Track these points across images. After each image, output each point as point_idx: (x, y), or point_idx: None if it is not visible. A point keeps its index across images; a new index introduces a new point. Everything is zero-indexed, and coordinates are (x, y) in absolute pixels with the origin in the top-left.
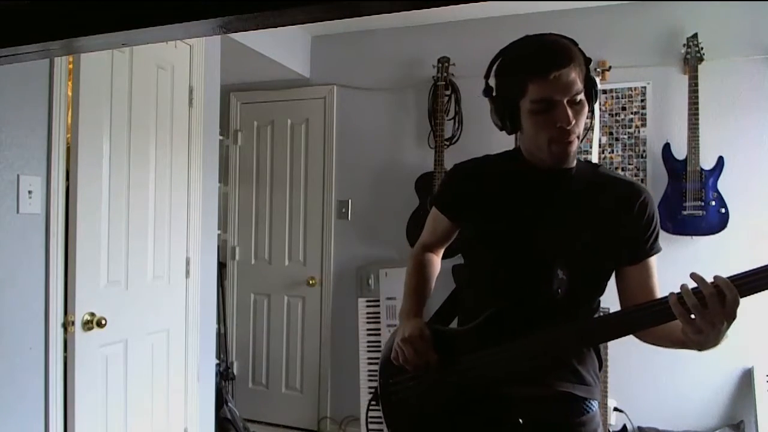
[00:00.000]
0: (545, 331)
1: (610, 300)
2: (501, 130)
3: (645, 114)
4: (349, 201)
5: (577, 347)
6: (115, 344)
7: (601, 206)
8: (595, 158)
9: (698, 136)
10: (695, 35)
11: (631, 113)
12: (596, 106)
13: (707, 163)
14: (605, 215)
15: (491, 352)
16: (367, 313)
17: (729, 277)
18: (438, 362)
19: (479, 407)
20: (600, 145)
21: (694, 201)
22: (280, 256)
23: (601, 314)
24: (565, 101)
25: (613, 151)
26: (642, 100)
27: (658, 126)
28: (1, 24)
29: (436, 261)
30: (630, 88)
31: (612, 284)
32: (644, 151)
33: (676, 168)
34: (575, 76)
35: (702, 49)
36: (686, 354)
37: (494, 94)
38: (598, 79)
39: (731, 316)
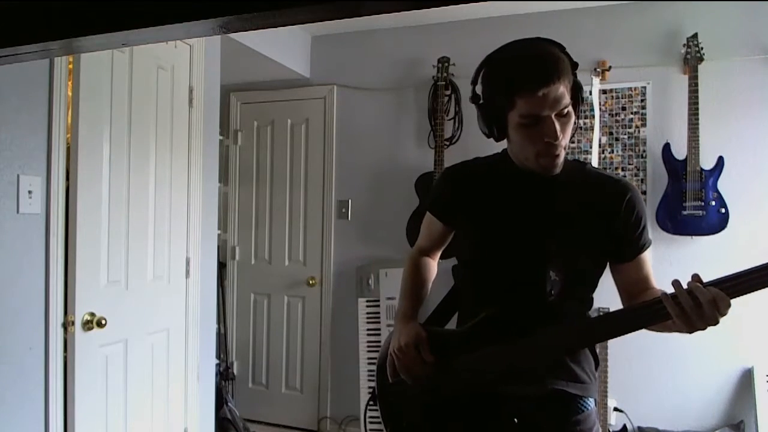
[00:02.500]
0: (542, 332)
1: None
2: (488, 137)
3: (645, 114)
4: (349, 201)
5: (573, 347)
6: (115, 344)
7: (589, 207)
8: (595, 158)
9: (698, 136)
10: (695, 35)
11: (631, 113)
12: (596, 107)
13: (707, 163)
14: (593, 215)
15: (487, 353)
16: (367, 313)
17: (722, 278)
18: (435, 364)
19: (475, 407)
20: (600, 145)
21: (694, 201)
22: (280, 256)
23: (600, 312)
24: (553, 116)
25: (613, 151)
26: (642, 100)
27: (658, 126)
28: (1, 24)
29: (433, 264)
30: (630, 88)
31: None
32: (644, 151)
33: (676, 168)
34: (563, 90)
35: (702, 49)
36: (686, 354)
37: (481, 102)
38: (597, 80)
39: (724, 315)
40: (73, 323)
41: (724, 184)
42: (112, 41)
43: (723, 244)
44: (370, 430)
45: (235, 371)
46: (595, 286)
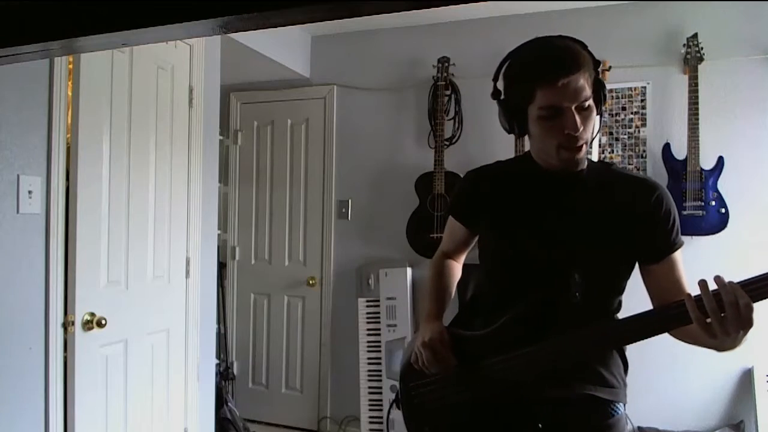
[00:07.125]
0: (565, 334)
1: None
2: (509, 133)
3: (645, 114)
4: (349, 201)
5: (596, 350)
6: (115, 344)
7: (615, 207)
8: (595, 158)
9: (698, 136)
10: (695, 35)
11: (631, 113)
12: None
13: (707, 163)
14: (620, 215)
15: (511, 356)
16: (367, 313)
17: (740, 282)
18: (457, 366)
19: (499, 411)
20: (600, 145)
21: (694, 201)
22: (280, 256)
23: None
24: (573, 108)
25: (613, 151)
26: (642, 100)
27: (658, 126)
28: (1, 24)
29: (456, 267)
30: (630, 88)
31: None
32: (644, 151)
33: (676, 168)
34: (583, 83)
35: (702, 49)
36: (686, 354)
37: (502, 97)
38: None
39: (748, 324)
40: (73, 323)
41: (724, 184)
42: (112, 41)
43: (723, 244)
44: (370, 430)
45: (235, 371)
46: (622, 290)
